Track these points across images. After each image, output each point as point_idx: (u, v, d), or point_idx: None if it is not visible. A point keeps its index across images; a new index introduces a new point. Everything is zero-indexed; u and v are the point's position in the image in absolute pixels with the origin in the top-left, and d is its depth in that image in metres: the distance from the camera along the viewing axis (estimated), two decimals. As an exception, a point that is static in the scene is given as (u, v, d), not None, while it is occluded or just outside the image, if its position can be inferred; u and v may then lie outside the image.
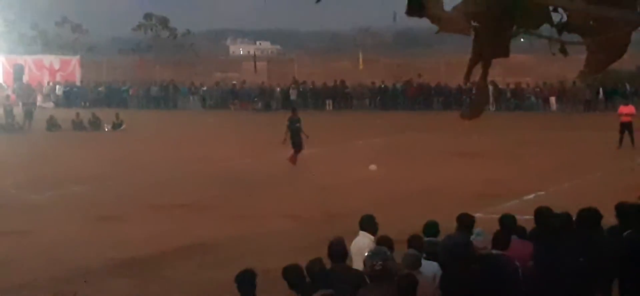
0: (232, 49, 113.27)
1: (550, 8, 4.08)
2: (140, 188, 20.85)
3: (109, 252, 13.97)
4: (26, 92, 45.38)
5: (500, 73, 40.50)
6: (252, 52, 75.27)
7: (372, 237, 8.95)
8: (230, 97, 49.38)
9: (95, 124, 36.54)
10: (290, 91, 47.87)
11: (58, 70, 54.27)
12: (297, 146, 24.05)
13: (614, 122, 27.50)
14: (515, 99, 45.38)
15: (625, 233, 8.74)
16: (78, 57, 56.77)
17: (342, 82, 48.09)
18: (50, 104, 48.50)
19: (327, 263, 7.91)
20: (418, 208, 16.13)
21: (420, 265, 7.84)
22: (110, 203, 18.60)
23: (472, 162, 24.22)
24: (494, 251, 8.22)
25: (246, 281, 7.61)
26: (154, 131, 35.28)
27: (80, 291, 11.94)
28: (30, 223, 16.49)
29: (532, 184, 19.83)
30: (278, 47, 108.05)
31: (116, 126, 36.18)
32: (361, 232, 9.19)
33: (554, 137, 30.37)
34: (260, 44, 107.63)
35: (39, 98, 48.14)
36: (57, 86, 52.03)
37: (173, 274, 12.75)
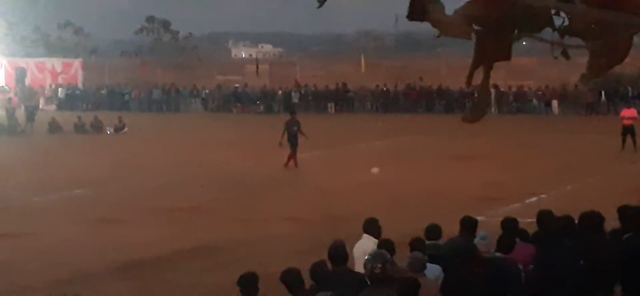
0: (234, 52, 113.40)
1: (552, 11, 4.07)
2: (141, 191, 20.86)
3: (111, 255, 13.97)
4: (28, 95, 45.47)
5: (502, 76, 40.48)
6: (254, 55, 75.44)
7: (375, 240, 8.94)
8: (232, 100, 49.40)
9: (97, 127, 36.57)
10: (292, 94, 47.91)
11: (60, 73, 54.34)
12: (293, 148, 23.98)
13: (616, 126, 27.50)
14: (517, 103, 45.37)
15: (624, 236, 8.73)
16: (80, 60, 56.82)
17: (344, 85, 48.12)
18: (52, 107, 48.55)
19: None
20: (420, 211, 16.12)
21: (425, 267, 7.85)
22: (112, 206, 18.61)
23: (474, 165, 24.20)
24: (497, 254, 8.23)
25: (248, 284, 7.61)
26: (155, 134, 35.30)
27: (82, 293, 11.95)
28: (32, 225, 16.50)
29: (534, 187, 19.82)
30: (280, 50, 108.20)
31: (118, 129, 36.21)
32: (365, 235, 9.18)
33: (556, 140, 30.36)
34: (262, 47, 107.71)
35: (41, 101, 48.21)
36: (59, 89, 52.08)
37: (174, 277, 12.74)
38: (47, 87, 52.55)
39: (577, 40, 4.17)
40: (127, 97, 50.97)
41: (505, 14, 3.91)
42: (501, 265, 8.02)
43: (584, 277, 8.18)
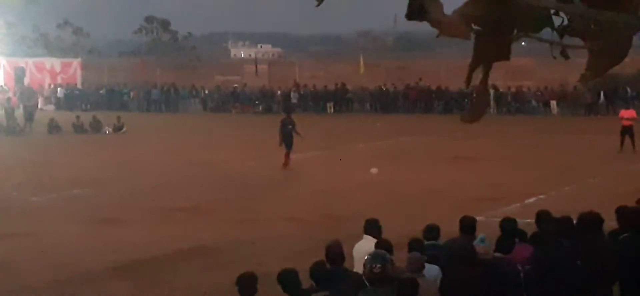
0: (233, 52, 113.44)
1: (552, 11, 4.08)
2: (141, 191, 20.84)
3: (110, 255, 13.96)
4: (27, 95, 45.32)
5: (501, 77, 40.54)
6: (253, 55, 75.38)
7: (376, 241, 8.94)
8: (231, 100, 49.44)
9: (96, 127, 36.55)
10: (291, 94, 47.94)
11: (59, 73, 54.33)
12: (288, 147, 23.96)
13: (615, 126, 27.51)
14: (516, 103, 45.42)
15: (621, 237, 8.73)
16: (79, 59, 56.81)
17: (343, 85, 48.15)
18: (51, 107, 48.58)
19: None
20: (419, 212, 16.12)
21: (423, 267, 7.85)
22: (111, 206, 18.60)
23: (473, 165, 24.21)
24: (496, 255, 8.24)
25: (247, 284, 7.60)
26: (154, 134, 35.28)
27: (82, 293, 11.95)
28: (31, 225, 16.49)
29: (533, 187, 19.82)
30: (279, 50, 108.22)
31: (117, 129, 36.20)
32: (365, 236, 9.17)
33: (555, 141, 30.37)
34: (261, 47, 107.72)
35: (40, 101, 48.14)
36: (58, 89, 52.08)
37: (174, 277, 12.74)
38: (46, 87, 52.53)
39: (576, 41, 4.18)
40: (126, 97, 50.99)
41: (504, 14, 3.92)
42: (500, 266, 8.03)
43: (582, 277, 8.19)
